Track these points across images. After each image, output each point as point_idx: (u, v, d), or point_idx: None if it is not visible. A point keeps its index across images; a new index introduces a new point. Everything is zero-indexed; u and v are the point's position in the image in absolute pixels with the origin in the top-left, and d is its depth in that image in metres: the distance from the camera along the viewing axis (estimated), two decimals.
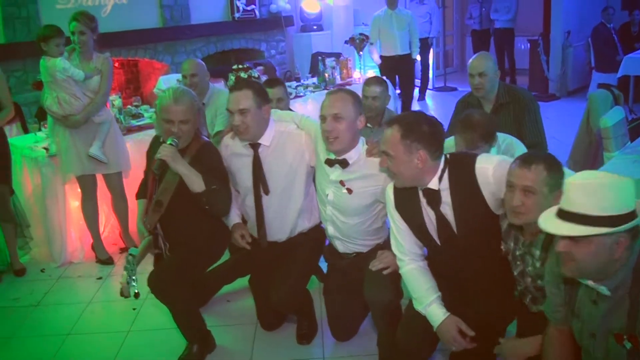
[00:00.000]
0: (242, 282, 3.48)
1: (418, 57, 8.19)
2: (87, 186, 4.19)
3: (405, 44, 7.64)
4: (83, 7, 6.37)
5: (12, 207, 4.15)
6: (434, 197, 2.40)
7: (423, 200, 2.44)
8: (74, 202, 4.32)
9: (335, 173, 2.83)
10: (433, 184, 2.39)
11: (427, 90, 9.74)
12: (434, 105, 9.18)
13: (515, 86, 3.96)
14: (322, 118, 2.73)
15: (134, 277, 2.83)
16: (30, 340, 3.41)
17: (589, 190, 1.69)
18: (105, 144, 4.11)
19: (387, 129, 2.37)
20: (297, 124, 3.08)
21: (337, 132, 2.70)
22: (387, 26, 7.57)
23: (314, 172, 3.06)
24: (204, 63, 4.51)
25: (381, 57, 7.69)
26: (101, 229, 4.47)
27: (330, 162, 2.82)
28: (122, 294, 2.76)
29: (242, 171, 3.06)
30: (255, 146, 2.98)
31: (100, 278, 4.13)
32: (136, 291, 2.90)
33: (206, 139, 3.07)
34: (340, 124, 2.69)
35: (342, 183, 2.82)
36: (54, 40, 3.88)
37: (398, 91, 7.76)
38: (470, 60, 3.64)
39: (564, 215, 1.72)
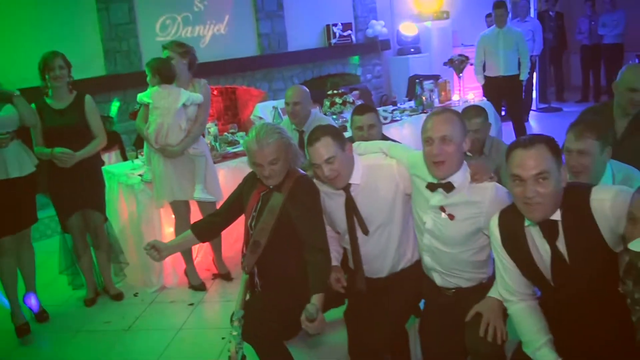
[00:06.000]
0: (337, 313, 3.23)
1: (533, 78, 7.61)
2: (180, 211, 4.16)
3: (512, 64, 7.07)
4: (182, 39, 6.50)
5: (106, 234, 4.20)
6: (552, 230, 2.10)
7: (535, 236, 2.15)
8: (169, 228, 4.30)
9: (437, 198, 2.56)
10: (556, 214, 2.09)
11: (531, 112, 9.22)
12: (538, 127, 8.65)
13: None
14: (428, 141, 2.47)
15: (241, 343, 2.64)
16: None
17: None
18: (206, 180, 4.08)
19: (527, 151, 2.07)
20: (385, 152, 2.84)
21: (445, 155, 2.43)
22: (492, 45, 7.07)
23: (411, 200, 2.81)
24: (307, 90, 4.39)
25: (485, 77, 7.26)
26: (194, 254, 4.42)
27: (432, 187, 2.55)
28: None
29: (336, 213, 2.86)
30: (346, 187, 2.76)
31: (192, 304, 4.06)
32: (244, 354, 2.70)
33: (302, 171, 2.91)
34: (448, 147, 2.42)
35: (442, 209, 2.54)
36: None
37: (502, 113, 7.33)
38: (631, 73, 3.19)
39: None
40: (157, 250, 2.86)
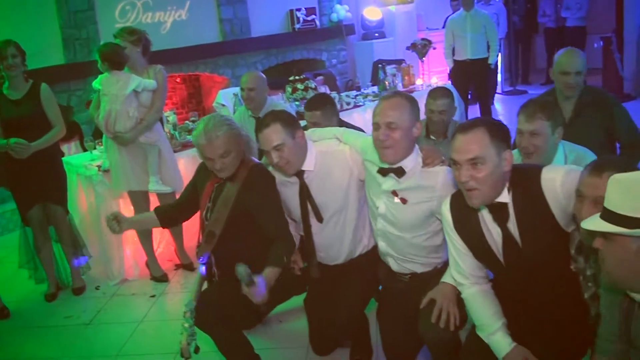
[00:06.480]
0: (297, 301, 3.24)
1: (498, 62, 7.61)
2: (139, 202, 4.12)
3: (479, 47, 7.09)
4: (142, 25, 6.40)
5: (69, 227, 4.15)
6: (501, 212, 2.12)
7: (486, 218, 2.18)
8: None
9: (389, 182, 2.58)
10: (503, 197, 2.11)
11: (496, 95, 9.31)
12: (503, 110, 8.76)
13: (597, 87, 3.64)
14: (375, 126, 2.49)
15: (193, 335, 2.64)
16: None
17: (623, 186, 1.53)
18: (161, 171, 4.05)
19: (465, 135, 2.08)
20: (338, 138, 2.87)
21: (392, 141, 2.44)
22: (460, 29, 7.09)
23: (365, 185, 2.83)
24: (264, 76, 4.38)
25: (454, 61, 7.28)
26: (155, 245, 4.40)
27: (384, 171, 2.56)
28: (182, 355, 2.60)
29: (291, 201, 2.87)
30: (299, 174, 2.77)
31: (153, 296, 4.05)
32: (197, 346, 2.70)
33: (255, 160, 2.90)
34: (394, 132, 2.43)
35: (394, 193, 2.57)
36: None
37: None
38: (563, 57, 3.31)
39: (602, 212, 1.57)
40: (118, 222, 2.86)
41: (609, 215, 1.53)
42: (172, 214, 3.06)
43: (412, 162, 2.53)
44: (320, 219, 2.81)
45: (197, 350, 2.63)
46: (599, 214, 1.58)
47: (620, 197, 1.52)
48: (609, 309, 1.78)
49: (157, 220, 3.02)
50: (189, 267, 4.38)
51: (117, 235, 4.18)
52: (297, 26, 8.17)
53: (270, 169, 2.88)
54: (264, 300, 2.49)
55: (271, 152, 2.66)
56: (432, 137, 3.80)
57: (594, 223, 1.56)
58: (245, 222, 2.75)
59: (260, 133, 2.68)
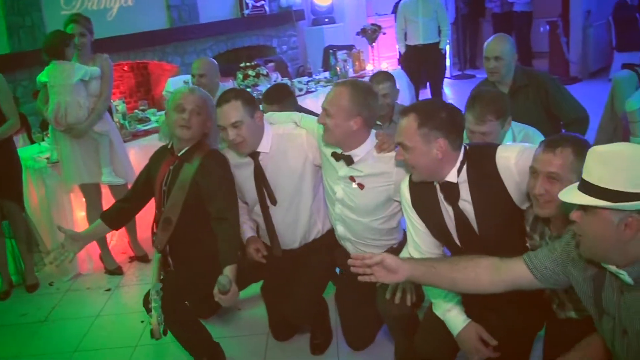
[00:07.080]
0: (254, 289, 3.30)
1: (447, 47, 7.72)
2: (91, 195, 4.08)
3: (431, 32, 7.11)
4: (87, 12, 6.25)
5: (24, 223, 4.06)
6: (452, 191, 2.20)
7: (441, 196, 2.25)
8: (80, 213, 4.21)
9: (344, 169, 2.66)
10: (451, 177, 2.19)
11: (445, 79, 9.47)
12: (452, 94, 8.94)
13: (532, 68, 3.78)
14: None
15: (162, 315, 2.62)
16: (36, 359, 3.31)
17: (604, 159, 1.49)
18: (113, 162, 4.01)
19: (402, 119, 2.18)
20: (296, 122, 2.92)
21: (327, 126, 2.57)
22: (412, 13, 7.09)
23: (321, 171, 2.89)
24: (215, 62, 4.35)
25: (406, 46, 7.26)
26: (109, 238, 4.35)
27: (337, 156, 2.66)
28: (152, 336, 2.59)
29: (246, 182, 2.90)
30: (254, 155, 2.81)
31: (109, 289, 4.02)
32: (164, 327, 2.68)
33: (213, 146, 2.92)
34: (331, 119, 2.55)
35: (351, 179, 2.65)
36: (73, 41, 3.82)
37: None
38: (487, 43, 3.48)
39: (581, 184, 1.54)
40: (74, 240, 2.85)
41: (589, 188, 1.49)
42: (120, 214, 3.03)
43: (363, 151, 2.61)
44: (274, 201, 2.86)
45: (165, 331, 2.63)
46: (576, 185, 1.56)
47: (602, 169, 1.48)
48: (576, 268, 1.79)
49: (107, 227, 3.00)
50: (143, 259, 4.35)
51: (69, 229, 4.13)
52: (246, 12, 8.11)
53: (224, 147, 2.90)
54: (232, 304, 2.53)
55: (228, 128, 2.69)
56: (378, 122, 3.84)
57: (574, 196, 1.53)
58: (201, 207, 2.75)
59: (220, 108, 2.71)
